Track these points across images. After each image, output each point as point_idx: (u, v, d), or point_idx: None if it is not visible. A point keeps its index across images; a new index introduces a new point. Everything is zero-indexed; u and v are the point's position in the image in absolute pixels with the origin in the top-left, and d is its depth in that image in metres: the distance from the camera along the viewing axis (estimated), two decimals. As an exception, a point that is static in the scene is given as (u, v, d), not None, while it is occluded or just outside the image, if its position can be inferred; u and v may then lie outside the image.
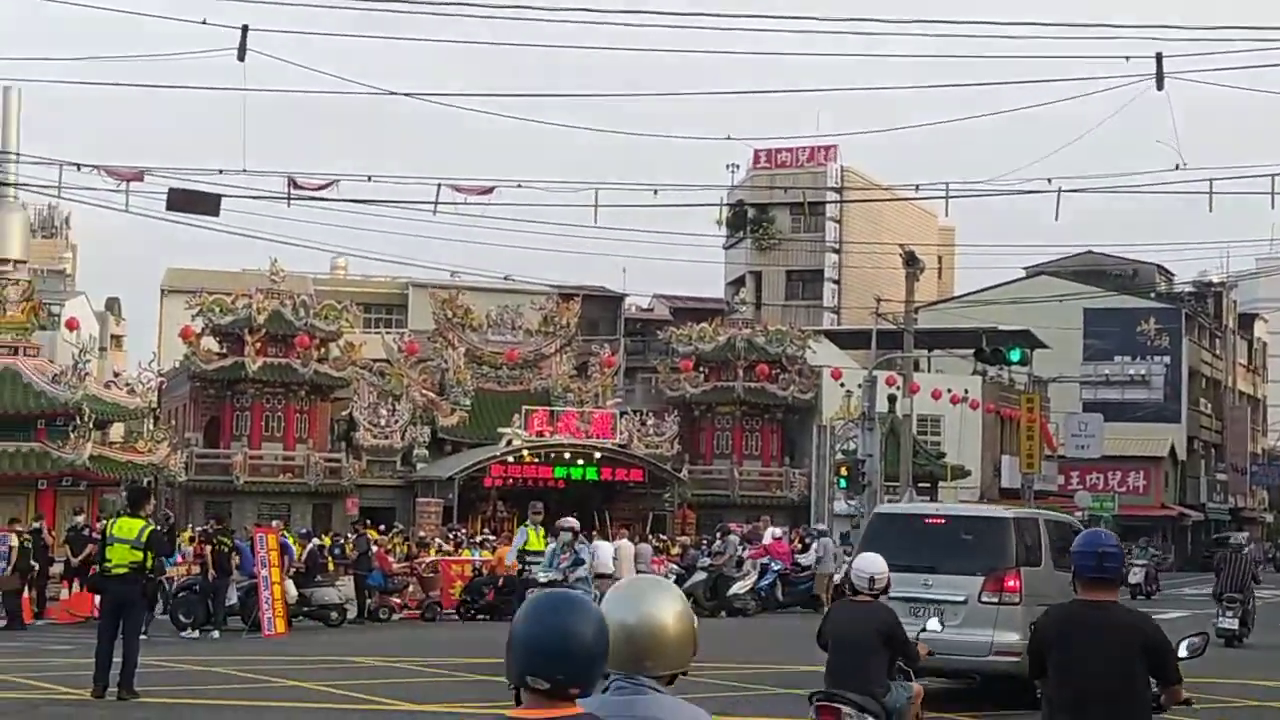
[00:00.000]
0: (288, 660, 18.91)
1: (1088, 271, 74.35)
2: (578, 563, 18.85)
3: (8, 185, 35.53)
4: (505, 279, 53.13)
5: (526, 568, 21.92)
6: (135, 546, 15.94)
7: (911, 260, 44.34)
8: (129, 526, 16.55)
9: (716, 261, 77.48)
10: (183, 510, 45.46)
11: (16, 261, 35.78)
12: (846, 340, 64.33)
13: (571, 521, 19.92)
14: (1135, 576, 39.56)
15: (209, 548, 25.70)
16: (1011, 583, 13.92)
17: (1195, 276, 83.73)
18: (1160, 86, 22.73)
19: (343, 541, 31.32)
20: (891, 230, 66.96)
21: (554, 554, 19.84)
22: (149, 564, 15.60)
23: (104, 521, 26.18)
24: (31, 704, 14.49)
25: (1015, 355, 39.00)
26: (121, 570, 15.93)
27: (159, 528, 16.65)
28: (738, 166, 75.11)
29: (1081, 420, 66.09)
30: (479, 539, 38.39)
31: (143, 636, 21.99)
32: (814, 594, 30.96)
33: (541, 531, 22.14)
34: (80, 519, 30.61)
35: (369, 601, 28.54)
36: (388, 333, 57.95)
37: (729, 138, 78.54)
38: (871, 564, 9.79)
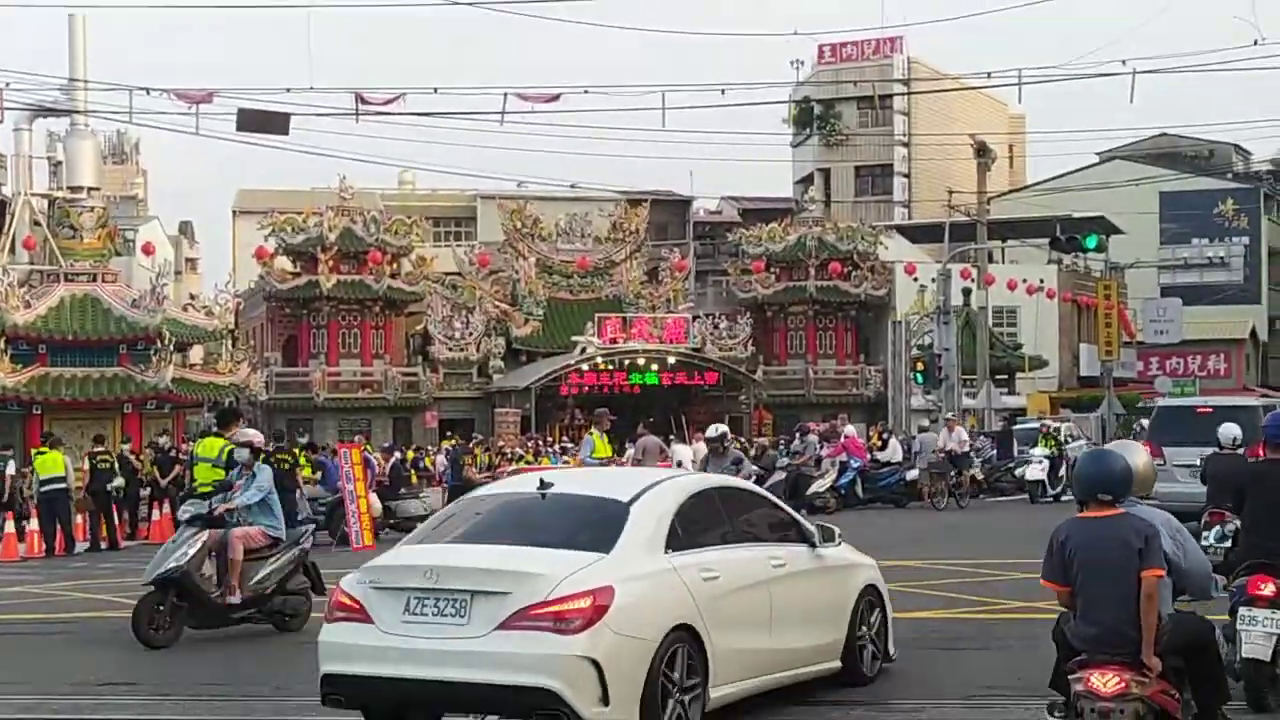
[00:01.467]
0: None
1: (1162, 154, 73.03)
2: (737, 462, 19.62)
3: (78, 112, 35.77)
4: (572, 187, 53.06)
5: None
6: (216, 465, 16.25)
7: (983, 150, 43.82)
8: (211, 446, 16.87)
9: (784, 160, 76.86)
10: (266, 428, 46.06)
11: (90, 189, 36.10)
12: (918, 234, 63.76)
13: (721, 428, 20.08)
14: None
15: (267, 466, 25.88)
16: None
17: (1273, 154, 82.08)
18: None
19: (425, 455, 31.62)
20: (961, 121, 66.08)
21: (706, 459, 20.70)
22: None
23: (190, 442, 26.63)
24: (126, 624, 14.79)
25: (1091, 242, 38.46)
26: (206, 488, 16.22)
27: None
28: (802, 63, 74.21)
29: (1160, 305, 65.28)
30: (557, 447, 38.68)
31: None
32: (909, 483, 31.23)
33: (608, 439, 22.22)
34: (164, 440, 31.08)
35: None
36: (458, 245, 58.09)
37: (795, 33, 77.46)
38: (1231, 428, 14.55)
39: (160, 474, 28.07)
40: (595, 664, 7.89)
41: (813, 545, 10.08)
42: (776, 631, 9.32)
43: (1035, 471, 31.74)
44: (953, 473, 30.67)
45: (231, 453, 15.85)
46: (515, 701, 8.00)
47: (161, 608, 12.68)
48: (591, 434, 22.74)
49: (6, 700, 10.54)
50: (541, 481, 8.93)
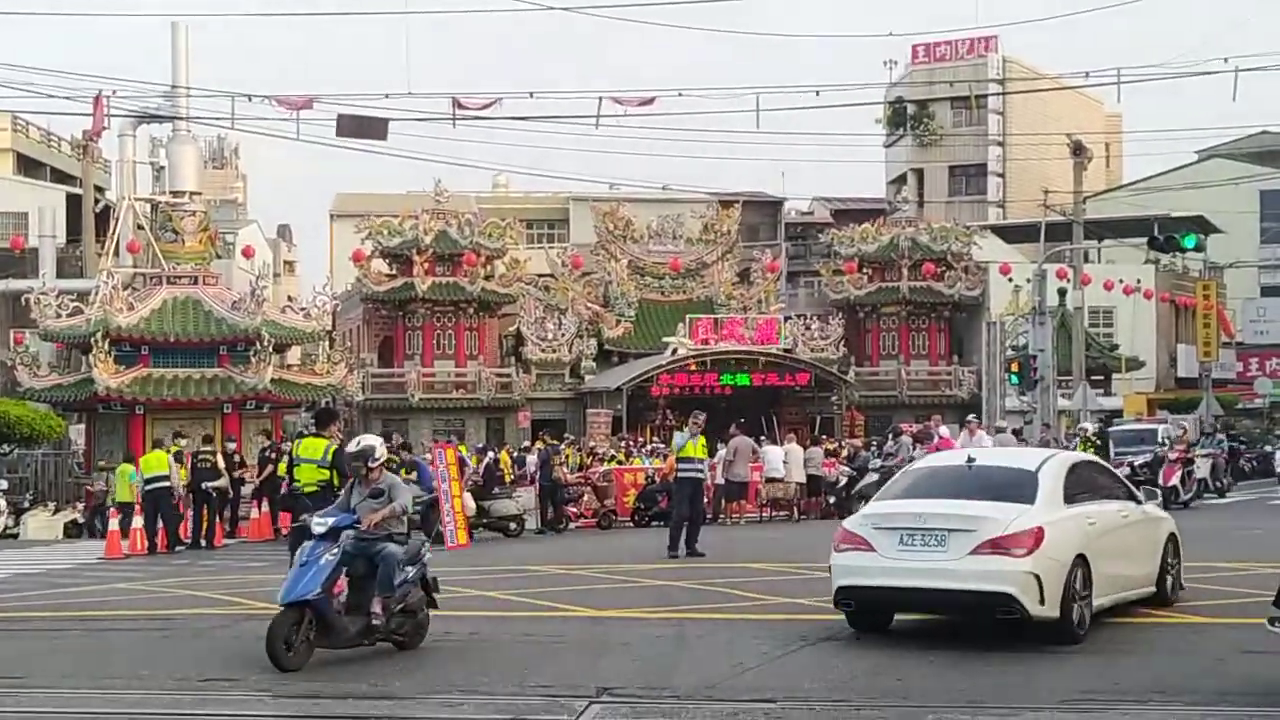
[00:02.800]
0: (472, 571, 19.42)
1: (1263, 152, 71.79)
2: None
3: (181, 119, 36.52)
4: (664, 189, 53.31)
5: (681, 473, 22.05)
6: (321, 465, 16.53)
7: (1079, 150, 43.41)
8: (314, 446, 17.14)
9: (876, 161, 76.58)
10: (361, 429, 46.65)
11: (192, 193, 36.93)
12: (1013, 234, 63.26)
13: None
14: (1200, 472, 33.33)
15: None
16: None
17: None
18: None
19: (523, 454, 31.84)
20: (1056, 120, 65.47)
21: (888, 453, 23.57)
22: (335, 481, 16.09)
23: (289, 442, 27.06)
24: (232, 619, 15.14)
25: (1190, 242, 37.94)
26: (311, 489, 16.53)
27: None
28: (895, 63, 73.89)
29: (1260, 305, 64.31)
30: (649, 447, 38.81)
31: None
32: None
33: (701, 440, 22.26)
34: (266, 440, 31.64)
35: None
36: (551, 248, 58.50)
37: (890, 34, 76.99)
38: None
39: (258, 472, 28.56)
40: (1037, 578, 11.63)
41: (1139, 502, 14.07)
42: (1126, 562, 13.18)
43: None
44: None
45: (337, 452, 15.87)
46: (982, 604, 11.82)
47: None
48: (684, 434, 22.80)
49: (112, 696, 10.84)
50: (969, 457, 13.40)
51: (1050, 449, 21.08)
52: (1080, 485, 12.98)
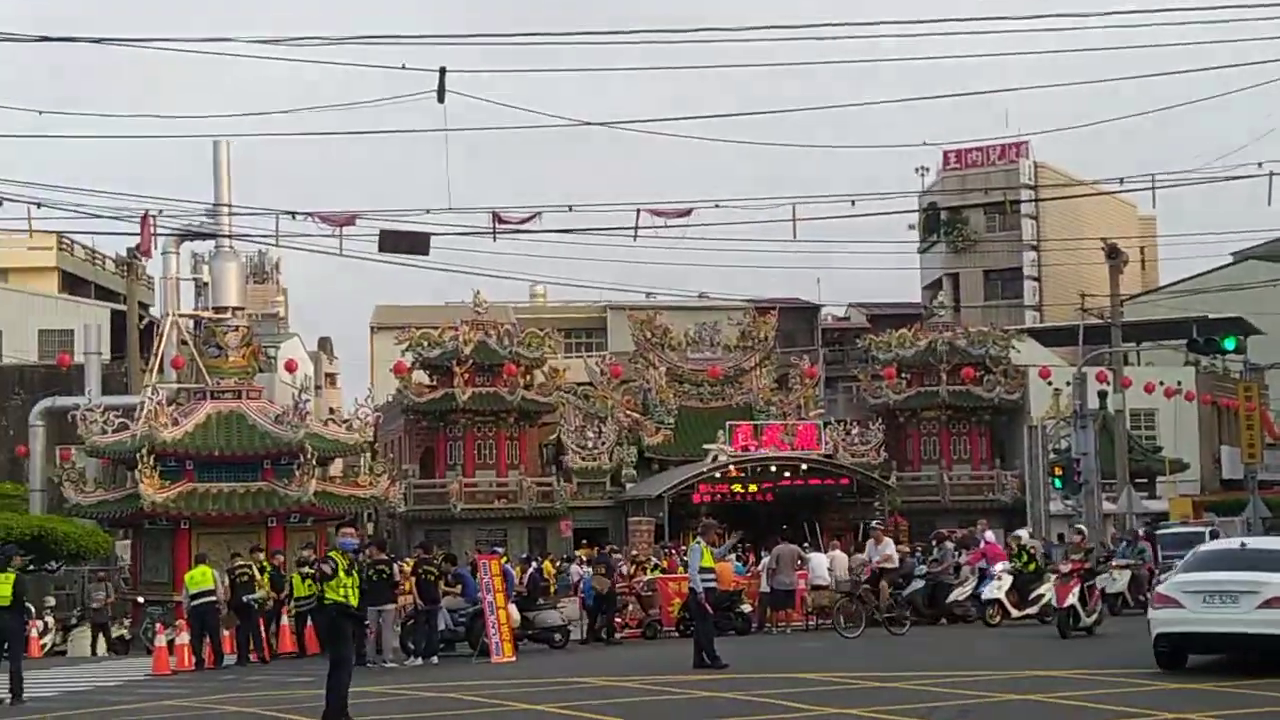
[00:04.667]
0: (518, 684, 19.37)
1: (1299, 252, 71.72)
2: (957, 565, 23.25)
3: (224, 235, 37.02)
4: (700, 296, 53.55)
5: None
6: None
7: (1114, 253, 43.51)
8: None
9: (911, 268, 76.78)
10: (404, 540, 46.72)
11: (235, 309, 37.32)
12: (1051, 338, 63.19)
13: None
14: (1115, 585, 29.90)
15: (414, 578, 26.27)
16: None
17: None
18: (1371, 59, 22.23)
19: (569, 565, 31.77)
20: (1090, 224, 65.64)
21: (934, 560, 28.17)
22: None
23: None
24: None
25: (1229, 343, 37.86)
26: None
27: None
28: (927, 169, 74.45)
29: (1303, 405, 63.71)
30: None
31: (370, 665, 22.91)
32: None
33: (708, 550, 22.41)
34: (308, 553, 31.65)
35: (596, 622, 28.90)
36: (589, 356, 58.78)
37: (925, 143, 77.58)
38: None
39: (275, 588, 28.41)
40: None
41: None
42: None
43: (992, 590, 27.85)
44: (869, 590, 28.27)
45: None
46: (1270, 645, 17.03)
47: None
48: (699, 543, 22.85)
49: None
50: (1242, 544, 19.46)
51: None
52: None
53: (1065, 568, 24.95)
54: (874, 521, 23.58)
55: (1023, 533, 31.74)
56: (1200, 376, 59.42)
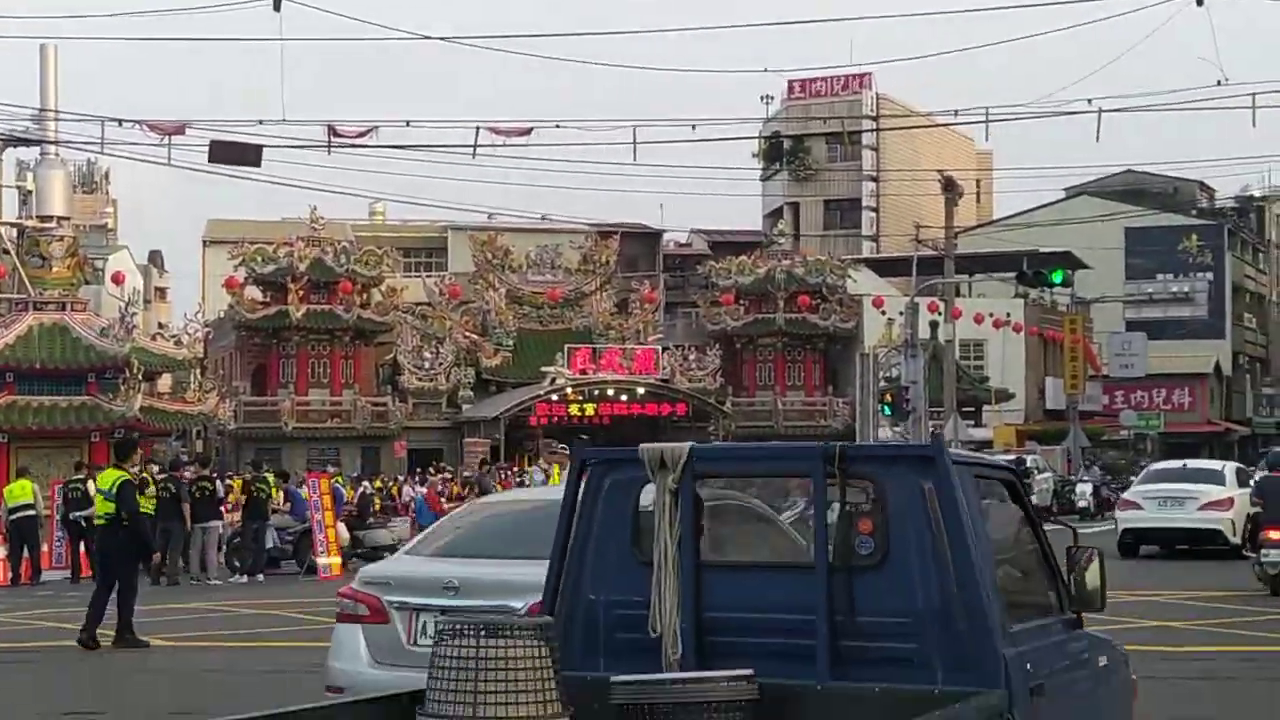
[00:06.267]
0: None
1: (1128, 191, 73.75)
2: None
3: (49, 142, 35.77)
4: (543, 219, 53.27)
5: None
6: (107, 498, 15.52)
7: (950, 186, 44.14)
8: (106, 478, 15.97)
9: (753, 195, 77.37)
10: (234, 457, 46.01)
11: (60, 218, 36.06)
12: (886, 268, 64.19)
13: None
14: (1082, 500, 39.10)
15: (245, 495, 25.99)
16: None
17: (1237, 192, 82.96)
18: (1200, 2, 22.78)
19: (391, 485, 31.59)
20: (929, 156, 66.63)
21: None
22: (124, 515, 15.34)
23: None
24: (98, 651, 14.82)
25: (1057, 277, 38.78)
26: (100, 521, 15.90)
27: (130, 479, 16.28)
28: (772, 98, 74.82)
29: (1125, 339, 65.86)
30: (526, 477, 38.69)
31: (194, 582, 22.68)
32: None
33: (556, 469, 22.47)
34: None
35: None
36: (428, 276, 58.18)
37: (766, 70, 77.97)
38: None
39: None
40: (1233, 522, 23.57)
41: None
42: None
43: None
44: None
45: (124, 485, 15.27)
46: (1204, 536, 24.12)
47: None
48: (540, 466, 22.92)
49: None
50: (1184, 464, 26.35)
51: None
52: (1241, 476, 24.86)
53: None
54: (557, 445, 23.73)
55: (1028, 458, 34.40)
56: (1029, 309, 60.88)
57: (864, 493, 5.42)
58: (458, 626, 4.57)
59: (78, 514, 26.42)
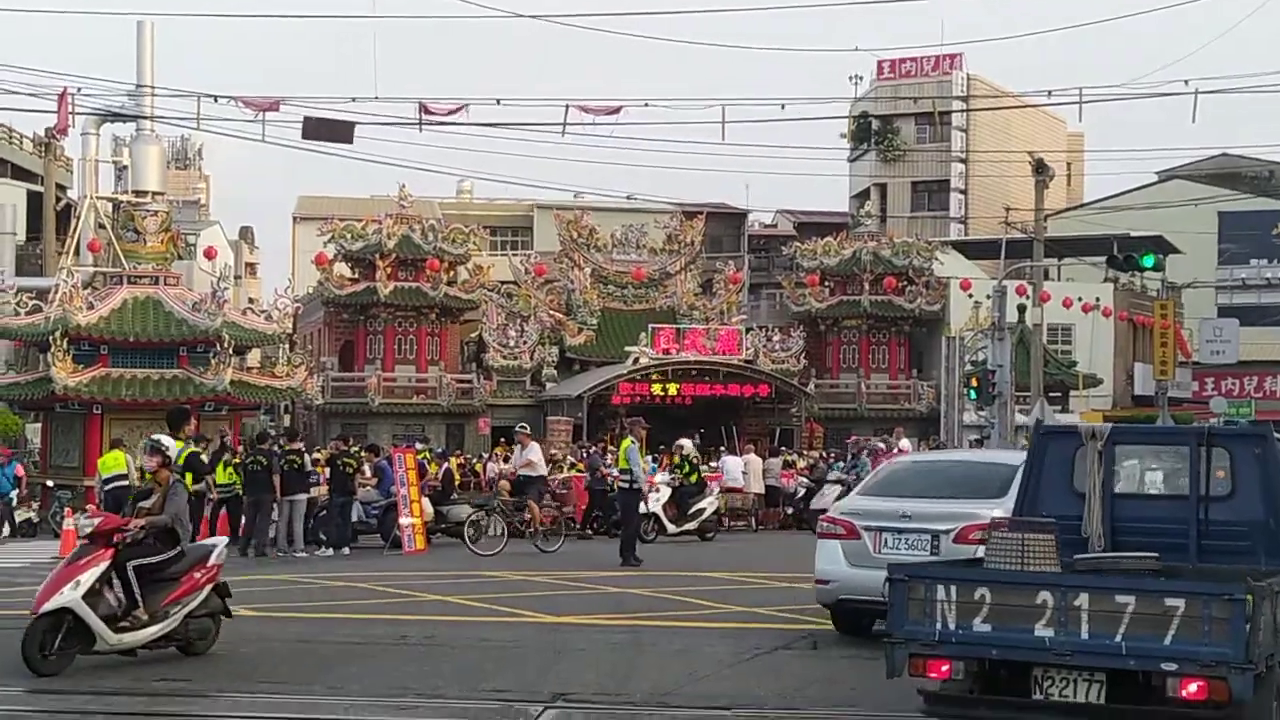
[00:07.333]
0: (429, 575, 19.45)
1: (1222, 174, 72.49)
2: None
3: (145, 118, 36.33)
4: (629, 198, 53.36)
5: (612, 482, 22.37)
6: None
7: (1041, 168, 43.67)
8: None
9: (841, 175, 76.91)
10: (320, 432, 46.58)
11: (155, 193, 36.65)
12: (974, 251, 63.64)
13: None
14: (821, 501, 31.86)
15: (329, 468, 26.26)
16: None
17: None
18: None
19: (475, 461, 31.79)
20: (1019, 138, 65.95)
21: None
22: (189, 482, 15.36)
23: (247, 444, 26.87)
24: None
25: (1148, 261, 38.20)
26: None
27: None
28: (861, 78, 74.32)
29: (1216, 325, 64.67)
30: (609, 456, 38.82)
31: (281, 555, 23.21)
32: None
33: (624, 446, 22.64)
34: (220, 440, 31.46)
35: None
36: (514, 255, 58.48)
37: (856, 49, 77.40)
38: None
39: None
40: None
41: None
42: None
43: (655, 504, 27.09)
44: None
45: (190, 456, 15.33)
46: None
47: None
48: (633, 442, 23.00)
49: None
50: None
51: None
52: None
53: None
54: (518, 425, 23.69)
55: (685, 442, 30.30)
56: (1118, 293, 60.15)
57: (1223, 454, 9.48)
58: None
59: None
